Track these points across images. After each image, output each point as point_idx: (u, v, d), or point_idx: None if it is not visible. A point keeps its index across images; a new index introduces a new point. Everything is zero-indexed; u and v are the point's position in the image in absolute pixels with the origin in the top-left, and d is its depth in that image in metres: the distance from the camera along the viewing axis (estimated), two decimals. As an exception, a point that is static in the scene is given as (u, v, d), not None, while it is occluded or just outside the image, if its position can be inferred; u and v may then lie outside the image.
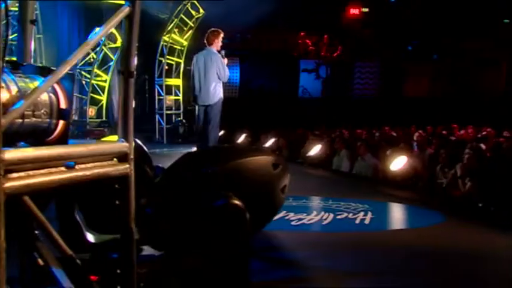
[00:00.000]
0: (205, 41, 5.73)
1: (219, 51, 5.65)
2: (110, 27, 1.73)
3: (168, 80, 12.07)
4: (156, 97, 12.29)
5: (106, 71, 11.02)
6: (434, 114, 12.94)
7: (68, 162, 1.40)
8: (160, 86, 12.18)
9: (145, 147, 2.27)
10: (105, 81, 10.94)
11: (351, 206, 4.19)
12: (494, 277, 2.49)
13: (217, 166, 1.56)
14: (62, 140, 1.48)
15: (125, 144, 1.82)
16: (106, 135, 8.49)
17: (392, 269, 2.58)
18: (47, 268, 1.39)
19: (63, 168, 1.39)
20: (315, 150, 6.98)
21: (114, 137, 2.35)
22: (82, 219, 2.03)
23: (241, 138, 10.39)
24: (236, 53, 15.29)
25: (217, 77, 5.53)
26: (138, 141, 2.36)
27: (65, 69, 1.46)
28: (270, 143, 8.69)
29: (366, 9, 16.35)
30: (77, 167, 1.40)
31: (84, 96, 10.50)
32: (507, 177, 3.65)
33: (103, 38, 10.79)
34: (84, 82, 10.54)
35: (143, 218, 1.56)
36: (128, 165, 1.81)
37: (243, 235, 1.42)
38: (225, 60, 5.59)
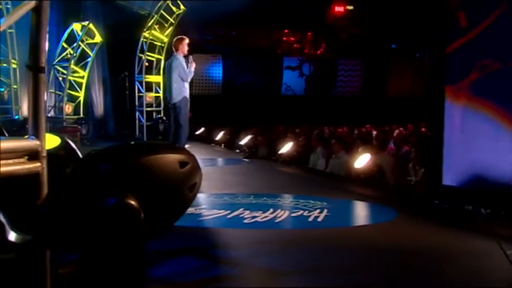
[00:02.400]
0: (173, 48, 6.41)
1: (186, 56, 6.30)
2: (11, 20, 1.68)
3: (148, 76, 11.97)
4: (136, 94, 12.19)
5: (83, 67, 10.90)
6: (417, 112, 13.02)
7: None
8: (140, 83, 12.08)
9: (74, 145, 2.23)
10: (82, 77, 10.82)
11: (310, 203, 4.19)
12: (437, 273, 2.49)
13: (115, 164, 1.53)
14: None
15: (36, 141, 1.77)
16: (81, 132, 8.40)
17: (328, 265, 2.58)
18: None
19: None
20: (287, 147, 6.98)
21: (51, 137, 2.31)
22: (6, 218, 1.99)
23: (220, 136, 10.37)
24: (219, 50, 15.25)
25: (180, 79, 6.10)
26: (67, 140, 2.32)
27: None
28: (246, 140, 8.67)
29: (351, 7, 16.37)
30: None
31: (60, 93, 10.37)
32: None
33: (80, 34, 10.70)
34: (61, 78, 10.40)
35: (38, 218, 1.53)
36: (39, 164, 1.77)
37: (135, 235, 1.40)
38: (193, 64, 6.19)
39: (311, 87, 16.13)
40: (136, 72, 12.16)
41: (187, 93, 6.37)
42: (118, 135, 12.34)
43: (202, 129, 11.78)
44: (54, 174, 1.80)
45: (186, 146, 10.29)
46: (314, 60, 16.13)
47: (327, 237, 3.19)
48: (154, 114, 12.50)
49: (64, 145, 2.13)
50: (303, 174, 6.54)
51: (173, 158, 1.59)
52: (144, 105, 12.03)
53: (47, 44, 1.89)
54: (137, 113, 12.20)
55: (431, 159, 1.50)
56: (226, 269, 2.60)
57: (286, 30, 16.20)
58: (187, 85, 6.43)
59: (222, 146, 10.04)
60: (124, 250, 1.38)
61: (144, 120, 12.09)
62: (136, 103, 12.21)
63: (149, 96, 12.13)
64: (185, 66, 6.31)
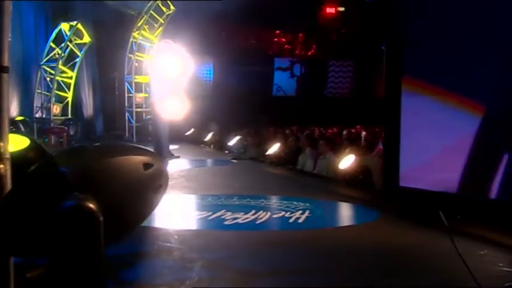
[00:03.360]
0: None
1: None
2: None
3: (137, 77, 11.93)
4: (126, 94, 12.14)
5: (72, 68, 10.82)
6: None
7: None
8: (130, 84, 12.03)
9: (44, 147, 2.20)
10: (70, 77, 10.74)
11: (293, 204, 4.17)
12: (412, 273, 2.49)
13: (75, 166, 1.51)
14: None
15: (-2, 143, 1.75)
16: (67, 133, 8.33)
17: (303, 267, 2.57)
18: None
19: None
20: (274, 148, 6.97)
21: (20, 138, 2.28)
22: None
23: (209, 136, 10.35)
24: (210, 50, 15.21)
25: (159, 81, 6.35)
26: (37, 141, 2.29)
27: None
28: (234, 141, 8.66)
29: (342, 9, 16.41)
30: None
31: (48, 93, 10.29)
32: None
33: (68, 34, 10.62)
34: (48, 79, 10.32)
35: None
36: (1, 166, 1.75)
37: (94, 239, 1.37)
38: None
39: (302, 88, 16.15)
40: (125, 72, 12.12)
41: (165, 95, 6.50)
42: (107, 136, 12.28)
43: (192, 130, 11.75)
44: (21, 176, 1.78)
45: (175, 146, 10.32)
46: (305, 61, 16.16)
47: (305, 239, 3.17)
48: (144, 114, 12.47)
49: (33, 146, 2.09)
50: (289, 175, 6.52)
51: (137, 159, 1.57)
52: (134, 106, 11.99)
53: (7, 41, 1.86)
54: (127, 114, 12.16)
55: (387, 159, 1.49)
56: (201, 271, 2.58)
57: (277, 31, 16.21)
58: (165, 87, 6.56)
59: (211, 147, 10.01)
60: (82, 254, 1.36)
61: (133, 121, 12.04)
62: (126, 104, 12.17)
63: (139, 97, 12.09)
64: (163, 69, 6.43)
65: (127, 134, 12.18)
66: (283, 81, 16.21)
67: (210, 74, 15.54)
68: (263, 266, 2.64)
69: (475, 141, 1.29)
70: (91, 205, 1.37)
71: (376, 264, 2.64)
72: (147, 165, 1.60)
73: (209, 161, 8.05)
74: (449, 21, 1.33)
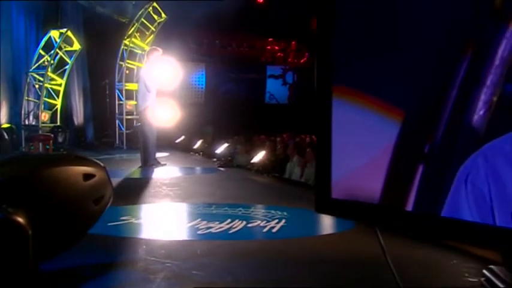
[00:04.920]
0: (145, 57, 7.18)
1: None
2: None
3: (128, 84, 11.91)
4: (116, 102, 12.11)
5: (61, 75, 10.80)
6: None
7: None
8: (121, 91, 12.01)
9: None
10: (60, 85, 10.71)
11: (270, 213, 4.13)
12: (379, 282, 2.44)
13: (9, 175, 1.46)
14: None
15: None
16: (52, 140, 8.28)
17: (265, 277, 2.52)
18: None
19: None
20: (259, 156, 6.93)
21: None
22: None
23: (198, 144, 10.31)
24: (203, 58, 15.23)
25: (145, 89, 6.39)
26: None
27: None
28: (222, 148, 8.62)
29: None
30: None
31: (36, 100, 10.24)
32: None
33: (58, 41, 10.61)
34: (37, 86, 10.28)
35: None
36: None
37: (22, 254, 1.32)
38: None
39: (294, 95, 16.16)
40: (116, 80, 12.10)
41: (152, 103, 6.55)
42: (97, 143, 12.22)
43: (182, 137, 11.71)
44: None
45: (165, 154, 10.27)
46: (297, 69, 16.18)
47: (275, 249, 3.12)
48: (134, 122, 12.42)
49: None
50: (273, 183, 6.48)
51: (75, 170, 1.53)
52: (124, 113, 11.96)
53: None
54: (117, 121, 12.12)
55: (319, 171, 1.45)
56: (161, 284, 2.52)
57: (270, 39, 16.26)
58: (152, 94, 6.60)
59: (200, 155, 9.97)
60: (9, 270, 1.31)
61: (123, 128, 12.00)
62: (117, 111, 12.14)
63: (129, 104, 12.06)
64: (152, 76, 6.48)
65: (117, 141, 12.14)
66: (276, 89, 16.22)
67: (202, 81, 15.54)
68: (227, 277, 2.59)
69: (393, 150, 1.25)
70: (19, 218, 1.32)
71: (344, 274, 2.59)
72: (87, 176, 1.55)
73: (195, 169, 8.00)
74: (375, 26, 1.30)
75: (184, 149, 11.02)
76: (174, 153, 10.56)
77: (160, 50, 7.55)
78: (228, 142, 8.87)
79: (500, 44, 1.12)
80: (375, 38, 1.30)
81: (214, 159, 8.64)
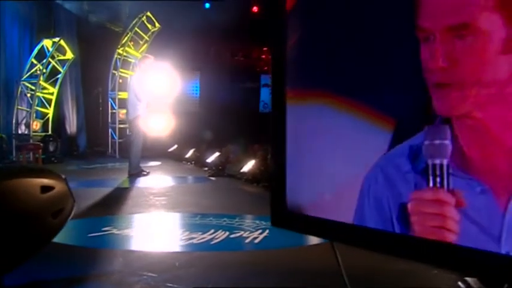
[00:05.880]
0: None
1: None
2: None
3: (121, 93, 11.89)
4: (109, 110, 12.09)
5: (53, 84, 10.78)
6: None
7: None
8: (114, 100, 11.99)
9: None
10: (51, 93, 10.68)
11: (255, 223, 4.09)
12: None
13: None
14: None
15: None
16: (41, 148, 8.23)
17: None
18: None
19: None
20: (248, 166, 6.90)
21: None
22: None
23: (189, 153, 10.27)
24: (198, 66, 15.25)
25: (135, 97, 6.40)
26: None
27: None
28: (213, 158, 8.58)
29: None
30: None
31: (28, 109, 10.21)
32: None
33: (50, 50, 10.61)
34: (29, 95, 10.26)
35: None
36: None
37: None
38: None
39: (288, 104, 16.16)
40: (109, 88, 12.09)
41: (142, 112, 6.50)
42: (89, 152, 12.17)
43: (175, 146, 11.67)
44: None
45: (157, 163, 10.22)
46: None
47: (254, 260, 3.08)
48: (127, 130, 12.38)
49: None
50: (262, 193, 6.43)
51: (33, 182, 1.50)
52: (117, 122, 11.92)
53: None
54: (110, 130, 12.08)
55: (273, 180, 1.42)
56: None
57: (265, 48, 16.30)
58: (143, 104, 6.56)
59: (192, 164, 9.92)
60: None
61: (116, 137, 11.96)
62: (109, 119, 12.11)
63: (122, 113, 12.02)
64: (143, 85, 6.44)
65: (110, 150, 12.09)
66: (270, 98, 16.22)
67: (196, 90, 15.55)
68: (203, 289, 2.55)
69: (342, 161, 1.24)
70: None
71: (319, 284, 2.55)
72: (45, 188, 1.52)
73: (185, 178, 7.95)
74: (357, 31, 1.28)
75: (177, 157, 10.97)
76: (167, 162, 10.52)
77: (152, 58, 7.54)
78: (219, 151, 8.83)
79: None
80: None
81: (206, 168, 8.60)
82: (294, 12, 1.42)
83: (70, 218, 1.70)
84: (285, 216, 1.34)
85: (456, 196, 1.10)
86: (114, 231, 3.81)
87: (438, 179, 1.13)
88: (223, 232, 3.78)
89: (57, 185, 1.57)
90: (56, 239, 3.50)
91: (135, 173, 7.37)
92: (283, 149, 1.34)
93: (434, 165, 1.13)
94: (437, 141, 1.13)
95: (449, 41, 1.13)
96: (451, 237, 1.11)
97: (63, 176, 1.65)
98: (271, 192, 1.49)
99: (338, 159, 1.22)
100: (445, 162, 1.12)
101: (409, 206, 1.15)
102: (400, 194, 1.14)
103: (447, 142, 1.12)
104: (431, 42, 1.14)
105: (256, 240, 3.51)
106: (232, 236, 3.68)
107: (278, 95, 1.42)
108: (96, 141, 12.76)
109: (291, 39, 1.41)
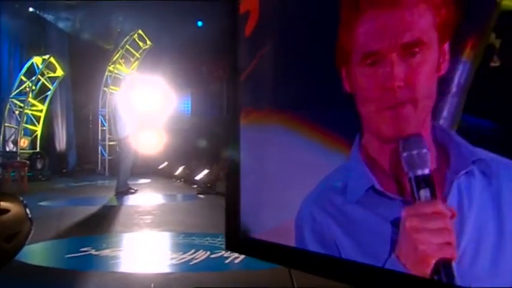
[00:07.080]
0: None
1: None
2: None
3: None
4: (100, 128, 12.03)
5: (42, 101, 10.74)
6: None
7: None
8: (104, 117, 11.95)
9: None
10: (40, 111, 10.63)
11: (237, 243, 4.03)
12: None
13: None
14: None
15: None
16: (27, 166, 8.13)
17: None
18: None
19: None
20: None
21: None
22: None
23: (179, 171, 10.20)
24: (189, 84, 15.28)
25: (124, 114, 6.40)
26: None
27: None
28: (201, 175, 8.52)
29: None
30: None
31: (16, 126, 10.14)
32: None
33: (40, 67, 10.60)
34: (17, 112, 10.20)
35: None
36: None
37: None
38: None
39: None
40: (100, 106, 12.07)
41: (131, 129, 6.44)
42: (79, 169, 12.06)
43: (165, 163, 11.59)
44: None
45: (147, 181, 10.12)
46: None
47: (231, 280, 3.02)
48: (117, 148, 12.30)
49: None
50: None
51: (-13, 203, 1.46)
52: (107, 139, 11.85)
53: None
54: (100, 147, 12.00)
55: (227, 201, 1.38)
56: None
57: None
58: (132, 121, 6.51)
59: (182, 181, 9.84)
60: None
61: (106, 155, 11.88)
62: (100, 137, 12.04)
63: (112, 130, 11.98)
64: (127, 102, 6.41)
65: (100, 168, 11.99)
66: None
67: (188, 107, 15.54)
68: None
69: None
70: None
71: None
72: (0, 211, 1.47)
73: (173, 196, 7.87)
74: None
75: (167, 175, 10.88)
76: (156, 179, 10.43)
77: (136, 73, 7.57)
78: (209, 168, 8.77)
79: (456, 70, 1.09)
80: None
81: (195, 186, 8.52)
82: (252, 38, 1.41)
83: (26, 242, 1.63)
84: (238, 241, 1.30)
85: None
86: (92, 251, 3.72)
87: (427, 190, 1.05)
88: (204, 252, 3.71)
89: (13, 208, 1.51)
90: (31, 261, 3.41)
91: (123, 191, 7.28)
92: (237, 171, 1.31)
93: (417, 177, 1.06)
94: (415, 151, 1.08)
95: (403, 59, 1.11)
96: (456, 254, 1.01)
97: (21, 199, 1.59)
98: (226, 215, 1.45)
99: (289, 182, 1.19)
100: (426, 171, 1.06)
101: (407, 224, 1.05)
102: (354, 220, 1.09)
103: (425, 151, 1.08)
104: (385, 64, 1.13)
105: (237, 260, 3.45)
106: (212, 256, 3.61)
107: (232, 115, 1.40)
108: (85, 158, 12.65)
109: (247, 63, 1.40)
